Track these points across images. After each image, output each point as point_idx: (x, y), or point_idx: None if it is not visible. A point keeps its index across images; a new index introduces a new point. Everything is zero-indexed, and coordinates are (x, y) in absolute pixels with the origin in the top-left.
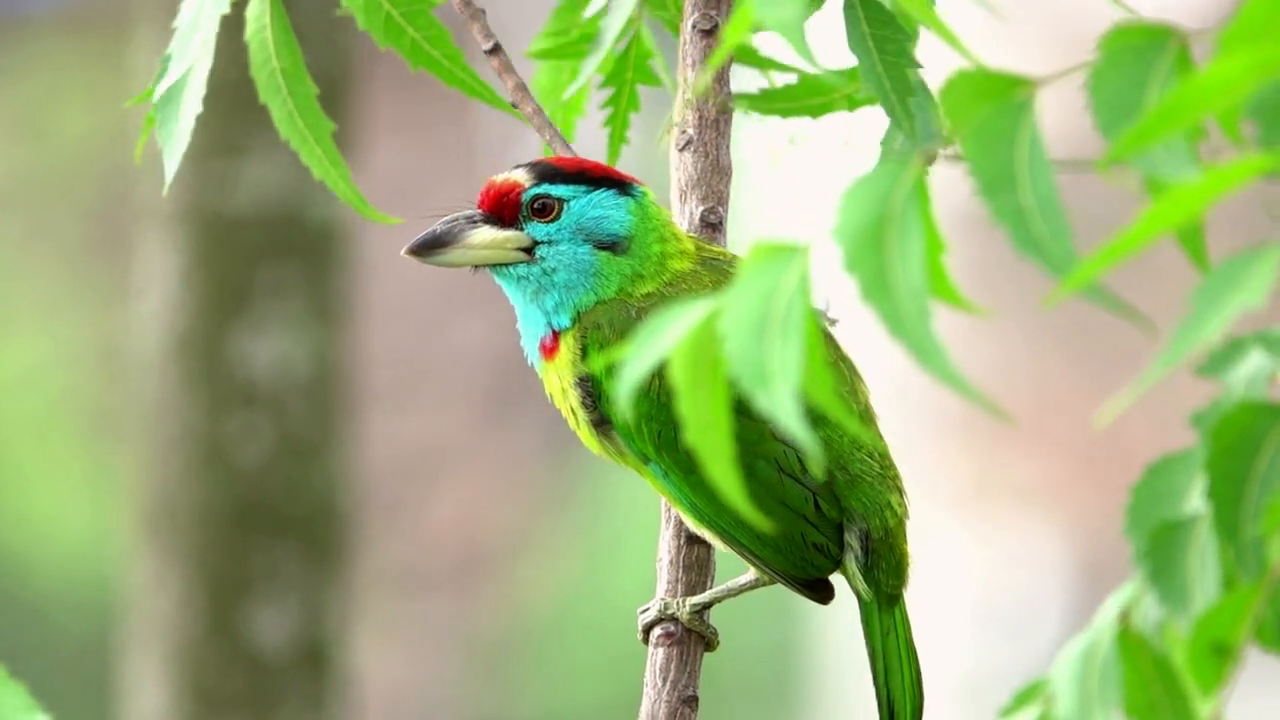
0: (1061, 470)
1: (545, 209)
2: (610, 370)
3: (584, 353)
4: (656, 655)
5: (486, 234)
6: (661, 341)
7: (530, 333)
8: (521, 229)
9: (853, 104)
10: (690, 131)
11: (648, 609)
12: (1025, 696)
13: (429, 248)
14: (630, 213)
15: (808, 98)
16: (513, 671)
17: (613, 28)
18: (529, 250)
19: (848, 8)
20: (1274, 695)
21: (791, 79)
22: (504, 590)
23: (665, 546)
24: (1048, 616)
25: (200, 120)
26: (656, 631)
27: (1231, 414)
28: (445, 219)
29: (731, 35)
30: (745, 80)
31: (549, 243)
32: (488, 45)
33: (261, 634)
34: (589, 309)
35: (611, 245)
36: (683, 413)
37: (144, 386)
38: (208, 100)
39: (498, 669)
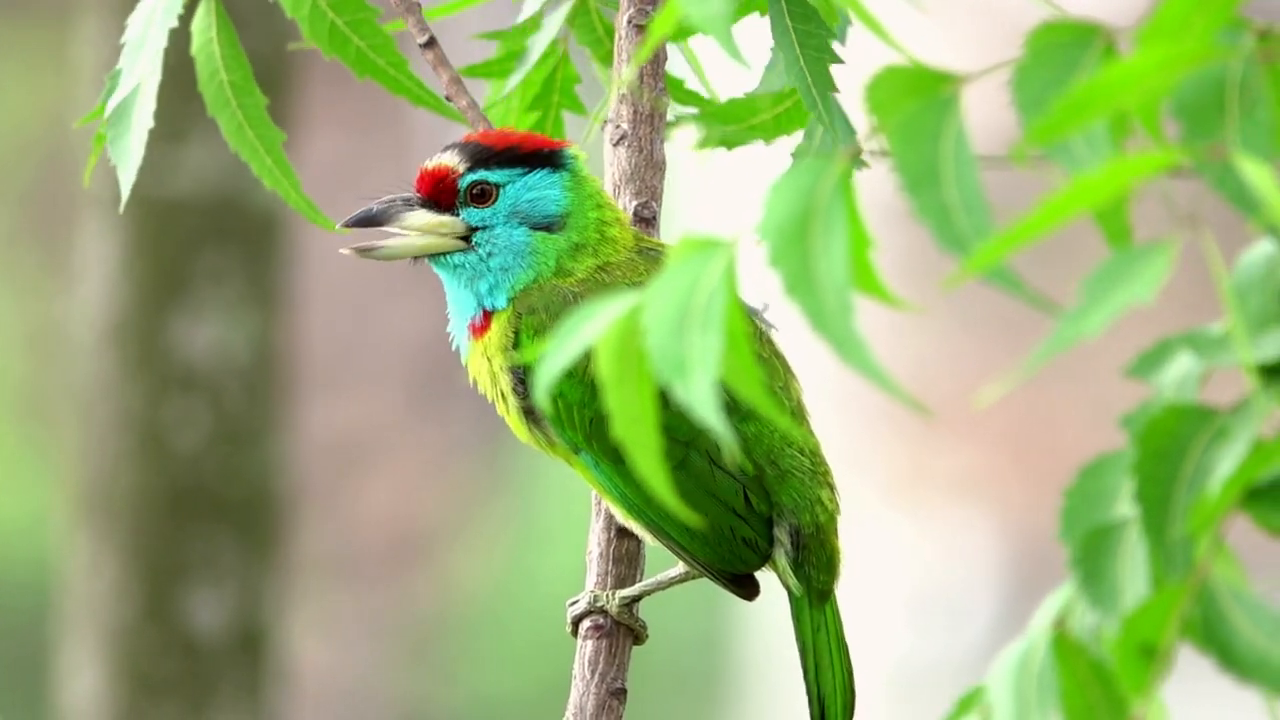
0: (996, 461)
1: (483, 195)
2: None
3: (517, 336)
4: (585, 648)
5: (423, 217)
6: (586, 334)
7: (460, 314)
8: (458, 214)
9: (777, 129)
10: (624, 126)
11: (577, 601)
12: (965, 704)
13: (365, 224)
14: (565, 189)
15: (738, 119)
16: (444, 658)
17: (539, 45)
18: (466, 237)
19: (773, 1)
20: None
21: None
22: (436, 577)
23: (595, 539)
24: (980, 607)
25: None
26: (585, 624)
27: (1159, 416)
28: (381, 199)
29: (657, 29)
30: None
31: (485, 228)
32: (423, 39)
33: (197, 619)
34: (524, 290)
35: (548, 225)
36: (610, 406)
37: (82, 371)
38: None
39: (429, 655)
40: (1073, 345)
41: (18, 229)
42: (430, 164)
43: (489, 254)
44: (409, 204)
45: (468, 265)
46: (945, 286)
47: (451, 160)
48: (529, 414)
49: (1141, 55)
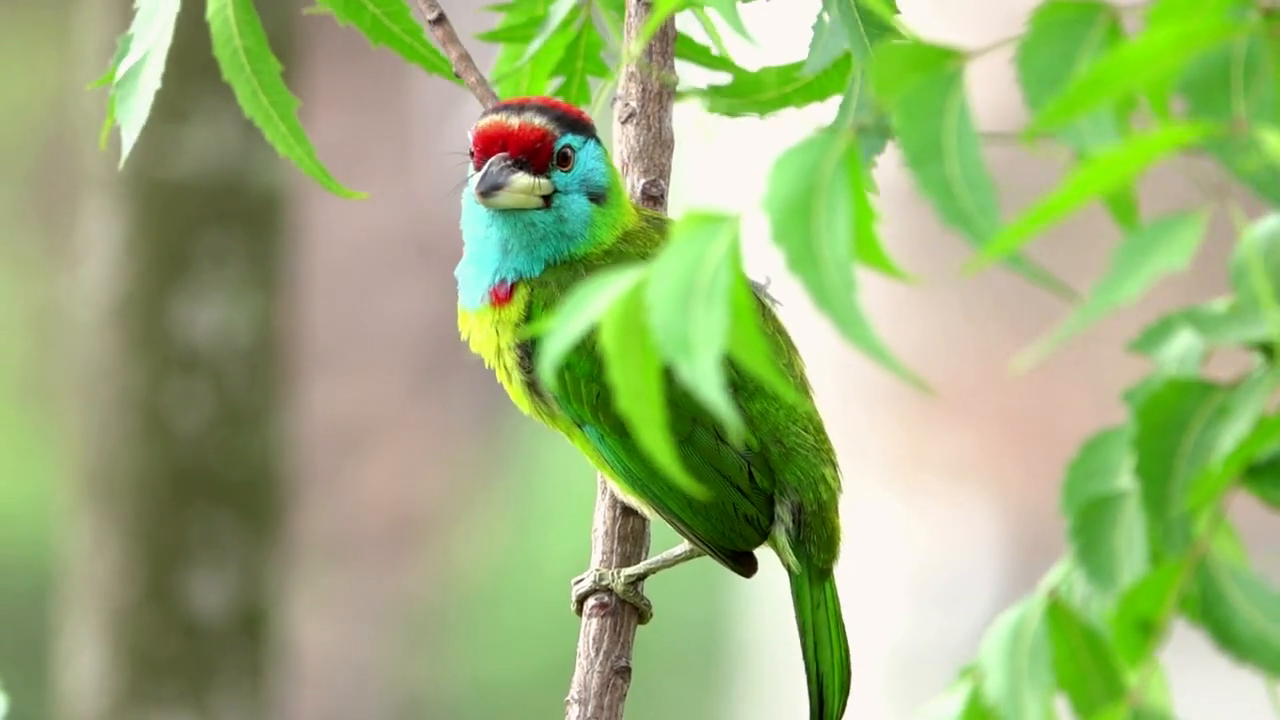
0: (996, 443)
1: (565, 159)
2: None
3: (529, 312)
4: (590, 626)
5: (524, 180)
6: (590, 310)
7: (486, 272)
8: (549, 177)
9: (791, 101)
10: (633, 104)
11: (582, 580)
12: (965, 677)
13: (493, 191)
14: (608, 164)
15: (751, 94)
16: (444, 640)
17: (560, 11)
18: (547, 198)
19: None
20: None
21: (725, 77)
22: (436, 559)
23: (601, 517)
24: (980, 589)
25: None
26: (590, 602)
27: (1160, 392)
28: (493, 166)
29: (663, 5)
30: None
31: (564, 192)
32: (432, 15)
33: (198, 600)
34: (548, 267)
35: (598, 197)
36: (614, 380)
37: (84, 352)
38: None
39: (429, 638)
40: (1104, 314)
41: (20, 209)
42: (515, 124)
43: (564, 218)
44: (509, 166)
45: (539, 225)
46: (964, 272)
47: (542, 123)
48: (533, 387)
49: (1153, 34)
